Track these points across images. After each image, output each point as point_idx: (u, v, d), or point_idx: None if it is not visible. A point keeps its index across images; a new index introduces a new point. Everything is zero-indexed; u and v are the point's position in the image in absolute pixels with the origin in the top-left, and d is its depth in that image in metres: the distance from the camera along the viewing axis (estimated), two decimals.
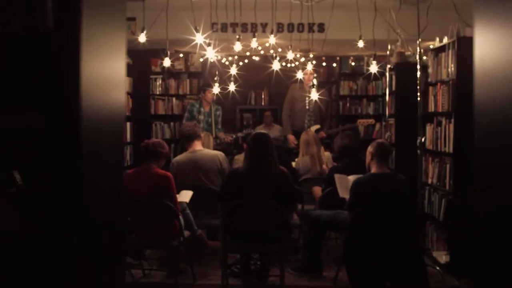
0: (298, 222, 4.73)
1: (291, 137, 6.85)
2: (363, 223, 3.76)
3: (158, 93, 8.04)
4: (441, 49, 4.98)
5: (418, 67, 4.75)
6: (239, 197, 3.86)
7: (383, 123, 7.24)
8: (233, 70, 5.53)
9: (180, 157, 4.94)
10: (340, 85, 8.41)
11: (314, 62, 7.95)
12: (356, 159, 4.67)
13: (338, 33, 6.43)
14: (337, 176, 4.37)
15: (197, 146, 4.95)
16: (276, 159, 3.98)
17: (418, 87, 4.76)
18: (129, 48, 6.81)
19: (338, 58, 8.85)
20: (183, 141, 5.17)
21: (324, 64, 8.89)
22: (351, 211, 3.88)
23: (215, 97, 6.71)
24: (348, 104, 8.43)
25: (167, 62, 5.34)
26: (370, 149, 3.99)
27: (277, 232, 3.90)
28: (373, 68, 5.88)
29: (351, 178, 4.26)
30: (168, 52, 5.35)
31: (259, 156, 3.94)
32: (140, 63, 7.50)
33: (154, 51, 7.82)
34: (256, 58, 9.02)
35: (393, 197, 3.79)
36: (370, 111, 8.29)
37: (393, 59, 6.77)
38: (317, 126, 6.75)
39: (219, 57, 8.25)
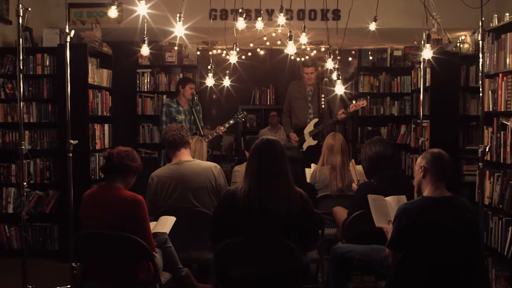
0: (317, 255, 3.72)
1: (292, 135, 6.36)
2: (414, 266, 2.78)
3: (146, 89, 6.96)
4: (503, 29, 3.82)
5: (481, 52, 3.57)
6: (238, 232, 2.73)
7: (413, 126, 6.10)
8: (233, 58, 4.35)
9: (161, 171, 3.77)
10: (359, 81, 7.20)
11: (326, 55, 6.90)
12: (395, 174, 3.53)
13: (356, 21, 5.35)
14: (371, 198, 3.29)
15: (185, 155, 3.81)
16: (290, 178, 2.79)
17: (480, 80, 3.63)
18: (112, 38, 5.82)
19: (353, 52, 7.80)
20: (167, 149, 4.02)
21: (338, 58, 7.79)
22: (396, 249, 2.87)
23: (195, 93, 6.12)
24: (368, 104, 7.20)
25: (145, 50, 4.19)
26: (421, 162, 2.93)
27: (291, 280, 2.76)
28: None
29: (391, 200, 3.28)
30: (146, 39, 4.19)
31: (266, 175, 2.75)
32: (124, 55, 6.51)
33: (142, 42, 6.74)
34: (261, 52, 8.07)
35: (457, 230, 2.78)
36: (394, 111, 7.10)
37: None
38: (316, 120, 6.22)
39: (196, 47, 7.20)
